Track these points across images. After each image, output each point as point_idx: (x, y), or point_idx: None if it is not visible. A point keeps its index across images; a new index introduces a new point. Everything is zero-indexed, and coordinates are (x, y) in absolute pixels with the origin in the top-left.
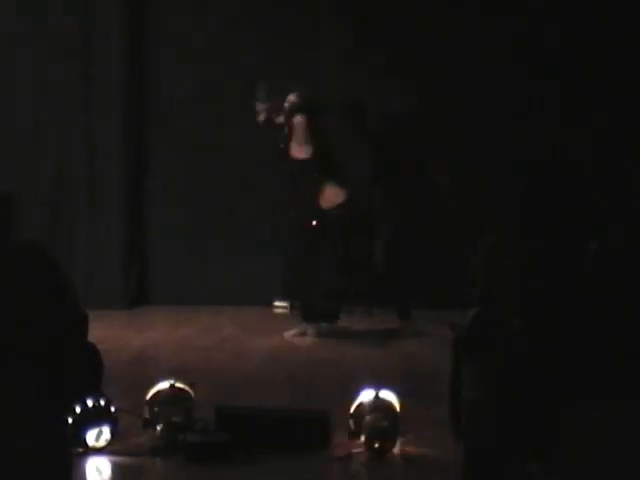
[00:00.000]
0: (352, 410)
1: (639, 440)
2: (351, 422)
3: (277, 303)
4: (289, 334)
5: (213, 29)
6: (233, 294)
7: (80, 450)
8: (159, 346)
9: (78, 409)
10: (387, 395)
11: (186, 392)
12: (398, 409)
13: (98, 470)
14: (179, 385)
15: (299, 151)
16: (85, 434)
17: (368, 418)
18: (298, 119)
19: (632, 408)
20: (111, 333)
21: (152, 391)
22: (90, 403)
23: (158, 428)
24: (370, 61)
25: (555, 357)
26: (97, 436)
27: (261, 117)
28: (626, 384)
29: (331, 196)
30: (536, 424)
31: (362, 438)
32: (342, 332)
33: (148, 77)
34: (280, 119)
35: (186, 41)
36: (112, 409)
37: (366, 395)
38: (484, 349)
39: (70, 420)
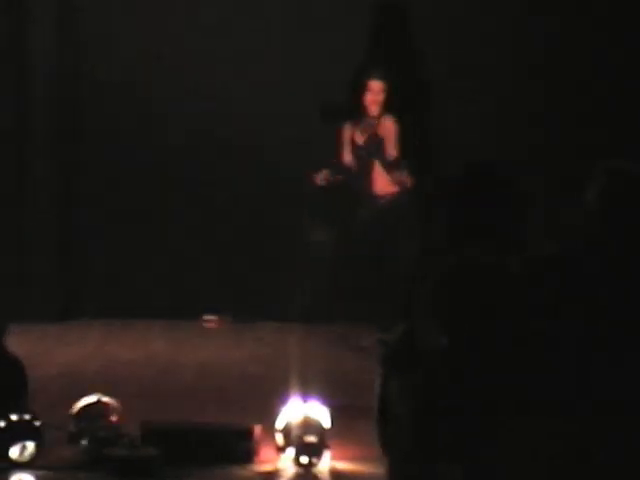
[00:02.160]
0: (280, 424)
1: (559, 449)
2: (279, 436)
3: (207, 317)
4: None
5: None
6: (163, 308)
7: (3, 465)
8: (87, 360)
9: (2, 423)
10: (316, 409)
11: (113, 406)
12: (327, 424)
13: None
14: (106, 400)
15: None
16: (9, 448)
17: (296, 432)
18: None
19: (556, 421)
20: (39, 346)
21: (78, 405)
22: (14, 417)
23: (83, 442)
24: None
25: (480, 371)
26: (21, 450)
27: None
28: (552, 398)
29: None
30: (460, 436)
31: (290, 453)
32: (275, 345)
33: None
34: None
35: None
36: (37, 423)
37: (294, 409)
38: (410, 365)
39: None
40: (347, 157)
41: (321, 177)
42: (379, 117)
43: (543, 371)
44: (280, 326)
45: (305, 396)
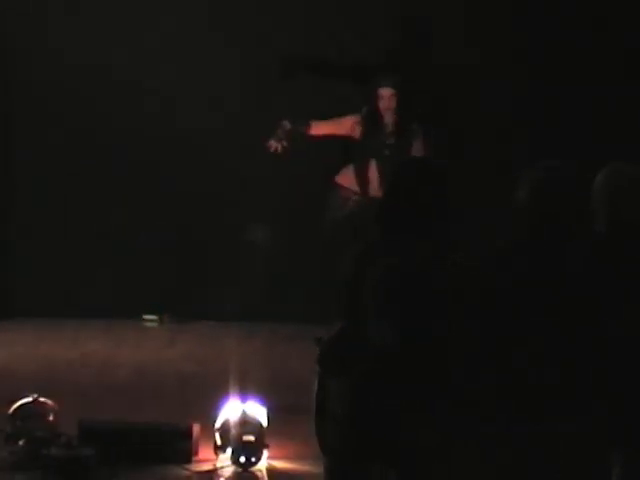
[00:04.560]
0: (218, 424)
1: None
2: (217, 436)
3: (146, 316)
4: None
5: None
6: (101, 307)
7: None
8: (23, 360)
9: None
10: (254, 408)
11: (50, 406)
12: (265, 423)
13: None
14: (42, 400)
15: None
16: None
17: (234, 432)
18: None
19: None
20: None
21: (15, 405)
22: None
23: (20, 442)
24: None
25: (421, 371)
26: None
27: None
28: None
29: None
30: (396, 436)
31: (228, 452)
32: (213, 345)
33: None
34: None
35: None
36: None
37: (233, 408)
38: (347, 363)
39: None
40: (322, 131)
41: (274, 144)
42: (396, 123)
43: (482, 372)
44: (219, 325)
45: (243, 395)
